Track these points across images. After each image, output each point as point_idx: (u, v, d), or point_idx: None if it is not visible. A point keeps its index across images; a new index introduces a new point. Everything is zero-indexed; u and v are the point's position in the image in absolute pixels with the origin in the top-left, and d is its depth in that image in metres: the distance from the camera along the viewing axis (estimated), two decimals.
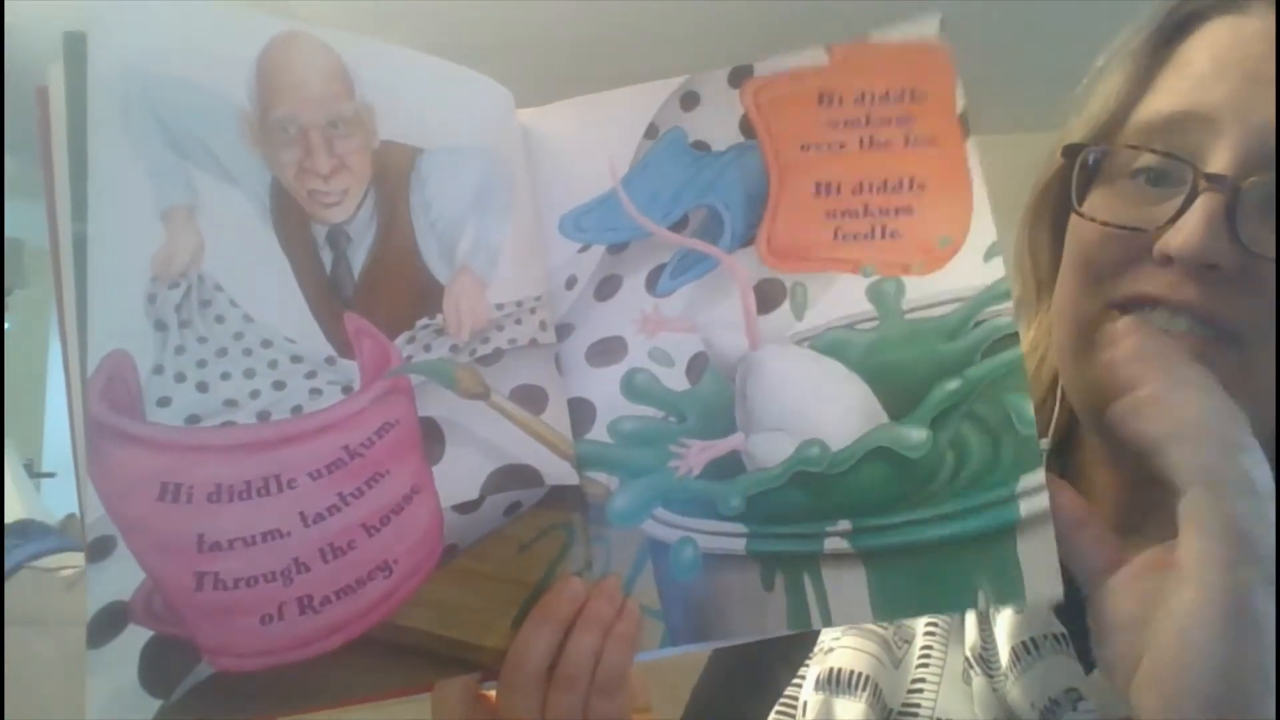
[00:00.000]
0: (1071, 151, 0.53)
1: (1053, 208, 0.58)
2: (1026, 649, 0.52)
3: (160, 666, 0.41)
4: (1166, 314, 0.48)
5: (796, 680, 0.59)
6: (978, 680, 0.53)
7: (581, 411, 0.51)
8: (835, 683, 0.56)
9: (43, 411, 3.80)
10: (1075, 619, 0.49)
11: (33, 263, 3.62)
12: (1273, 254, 0.46)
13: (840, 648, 0.57)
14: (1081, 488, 0.56)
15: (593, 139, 0.53)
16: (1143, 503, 0.55)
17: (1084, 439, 0.58)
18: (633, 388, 0.51)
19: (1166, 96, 0.51)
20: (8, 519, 2.16)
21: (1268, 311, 0.47)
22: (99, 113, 0.42)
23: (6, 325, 3.45)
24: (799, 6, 2.32)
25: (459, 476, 0.48)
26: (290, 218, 0.46)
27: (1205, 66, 0.49)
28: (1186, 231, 0.46)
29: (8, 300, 3.44)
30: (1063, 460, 0.59)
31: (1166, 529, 0.53)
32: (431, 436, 0.47)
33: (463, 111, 0.50)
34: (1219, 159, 0.47)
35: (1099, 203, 0.52)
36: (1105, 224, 0.50)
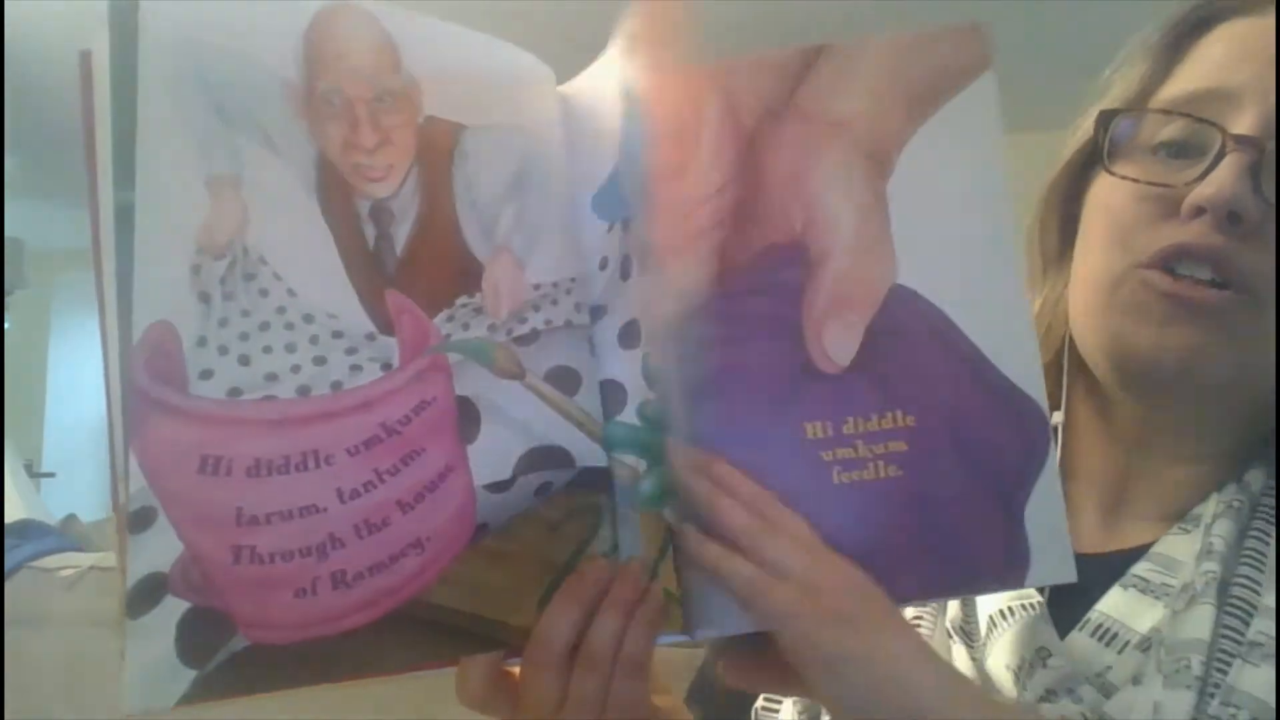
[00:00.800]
0: (1105, 118, 0.56)
1: (1067, 187, 0.61)
2: (1003, 615, 0.55)
3: (196, 638, 0.41)
4: (1192, 263, 0.52)
5: None
6: (957, 649, 0.56)
7: (612, 394, 0.51)
8: None
9: (43, 411, 3.80)
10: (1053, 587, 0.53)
11: (33, 263, 3.63)
12: None
13: None
14: (1073, 460, 0.61)
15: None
16: (1132, 477, 0.59)
17: (1078, 412, 0.61)
18: None
19: (1188, 80, 0.55)
20: (8, 519, 2.16)
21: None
22: (149, 81, 0.42)
23: (6, 325, 3.45)
24: (818, 6, 2.34)
25: (493, 456, 0.48)
26: (335, 192, 0.46)
27: (1226, 54, 0.54)
28: (1218, 182, 0.50)
29: (8, 300, 3.44)
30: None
31: (1152, 504, 0.57)
32: (467, 415, 0.47)
33: (506, 89, 0.50)
34: (1243, 124, 0.52)
35: (1126, 170, 0.55)
36: (1138, 181, 0.54)
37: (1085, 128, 0.59)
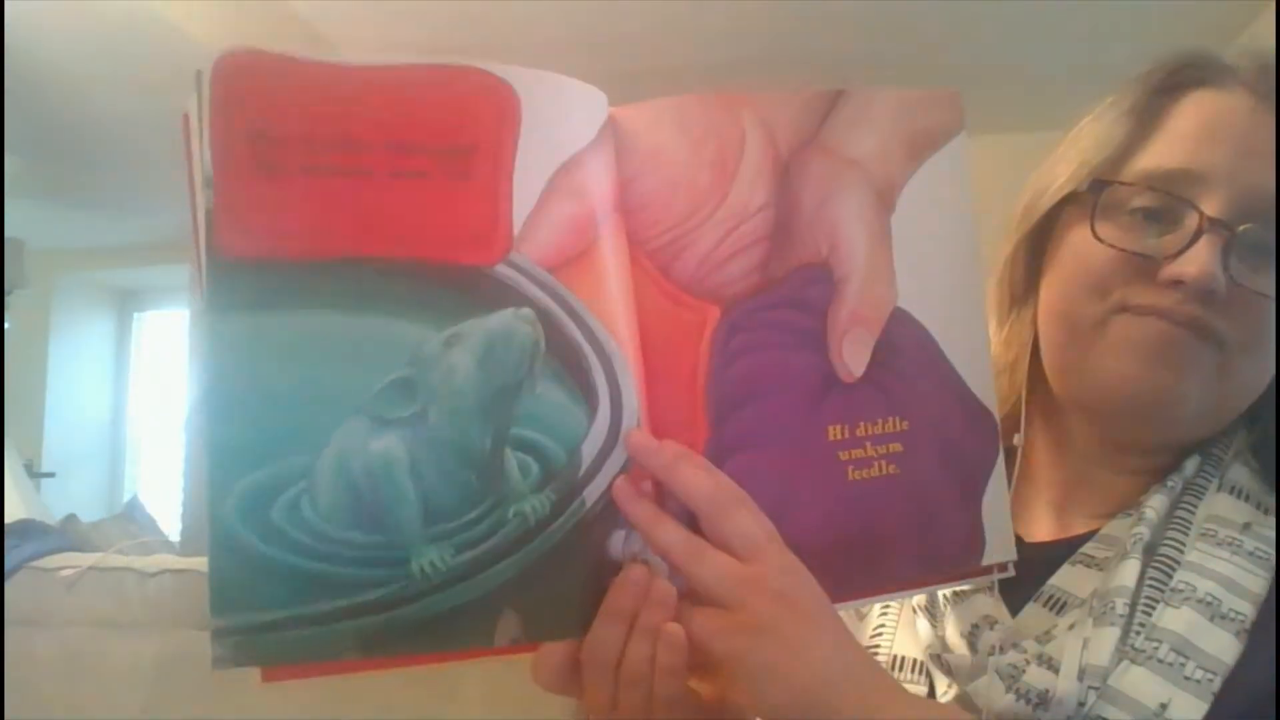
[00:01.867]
0: (1098, 187, 0.62)
1: (1040, 229, 0.67)
2: (959, 594, 0.63)
3: None
4: (1164, 321, 0.58)
5: None
6: (921, 623, 0.63)
7: None
8: None
9: (43, 411, 3.80)
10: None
11: (33, 263, 3.63)
12: (1255, 286, 0.57)
13: None
14: (1031, 470, 0.70)
15: None
16: (1084, 484, 0.66)
17: (1035, 429, 0.70)
18: None
19: (1164, 154, 0.61)
20: (8, 519, 2.17)
21: (1247, 327, 0.58)
22: None
23: (6, 325, 3.45)
24: (795, 7, 2.35)
25: None
26: None
27: (1197, 132, 0.61)
28: (1199, 264, 0.57)
29: (8, 300, 3.44)
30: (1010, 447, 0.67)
31: (1102, 504, 0.65)
32: None
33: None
34: (1214, 206, 0.58)
35: (1106, 232, 0.61)
36: (1123, 250, 0.60)
37: (1058, 175, 0.65)
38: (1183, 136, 0.61)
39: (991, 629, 0.59)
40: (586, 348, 0.50)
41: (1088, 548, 0.61)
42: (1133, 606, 0.55)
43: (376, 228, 0.48)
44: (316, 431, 0.46)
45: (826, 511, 0.53)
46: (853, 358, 0.54)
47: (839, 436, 0.54)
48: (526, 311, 0.49)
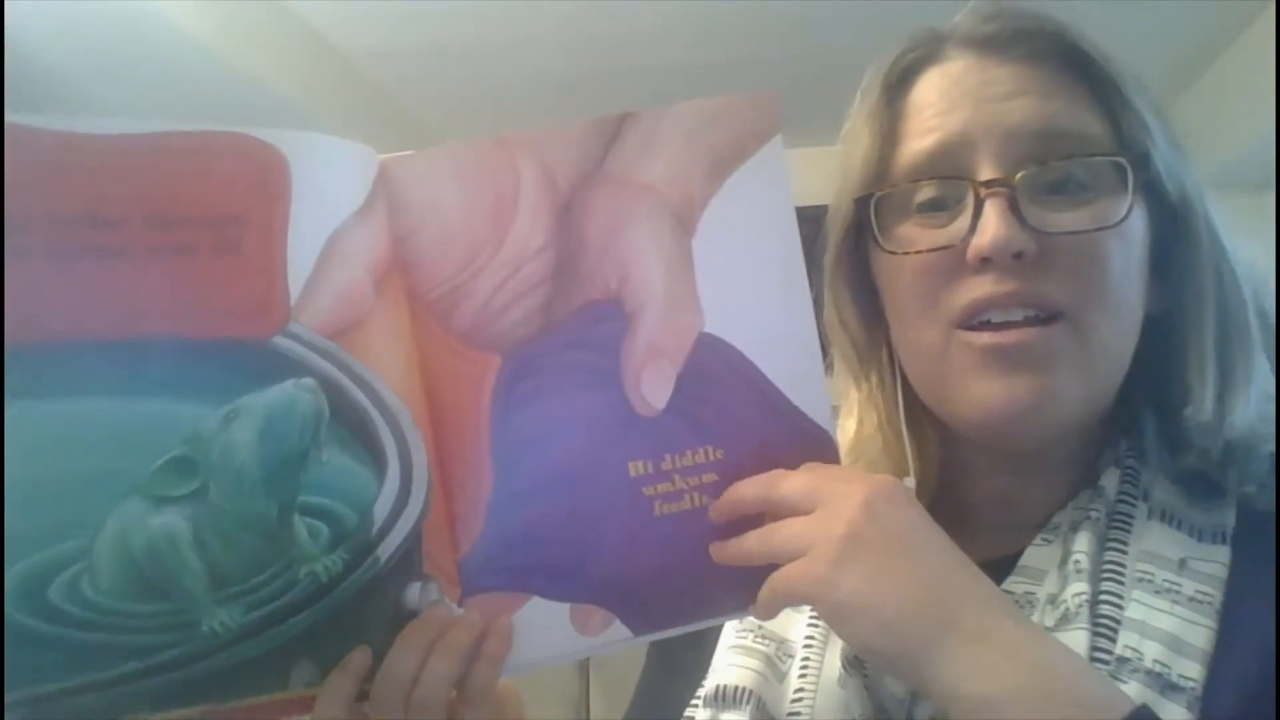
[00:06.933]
0: (863, 204, 0.59)
1: (850, 267, 0.63)
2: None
3: None
4: (1001, 311, 0.55)
5: (694, 700, 0.62)
6: (852, 681, 0.57)
7: None
8: (721, 698, 0.60)
9: None
10: None
11: None
12: (1064, 226, 0.54)
13: (725, 665, 0.61)
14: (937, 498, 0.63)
15: None
16: (985, 495, 0.62)
17: (928, 455, 0.64)
18: None
19: (918, 138, 0.58)
20: None
21: (1080, 276, 0.54)
22: None
23: None
24: (793, 6, 2.35)
25: None
26: None
27: (939, 104, 0.58)
28: (991, 230, 0.53)
29: None
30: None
31: (1008, 514, 0.61)
32: None
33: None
34: (985, 168, 0.55)
35: (900, 244, 0.58)
36: (919, 251, 0.57)
37: (843, 207, 0.62)
38: (927, 113, 0.58)
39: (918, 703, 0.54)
40: (373, 411, 0.50)
41: (1009, 583, 0.56)
42: None
43: (141, 308, 0.45)
44: (90, 515, 0.45)
45: (632, 549, 0.53)
46: (653, 391, 0.53)
47: (642, 472, 0.53)
48: (308, 381, 0.48)
